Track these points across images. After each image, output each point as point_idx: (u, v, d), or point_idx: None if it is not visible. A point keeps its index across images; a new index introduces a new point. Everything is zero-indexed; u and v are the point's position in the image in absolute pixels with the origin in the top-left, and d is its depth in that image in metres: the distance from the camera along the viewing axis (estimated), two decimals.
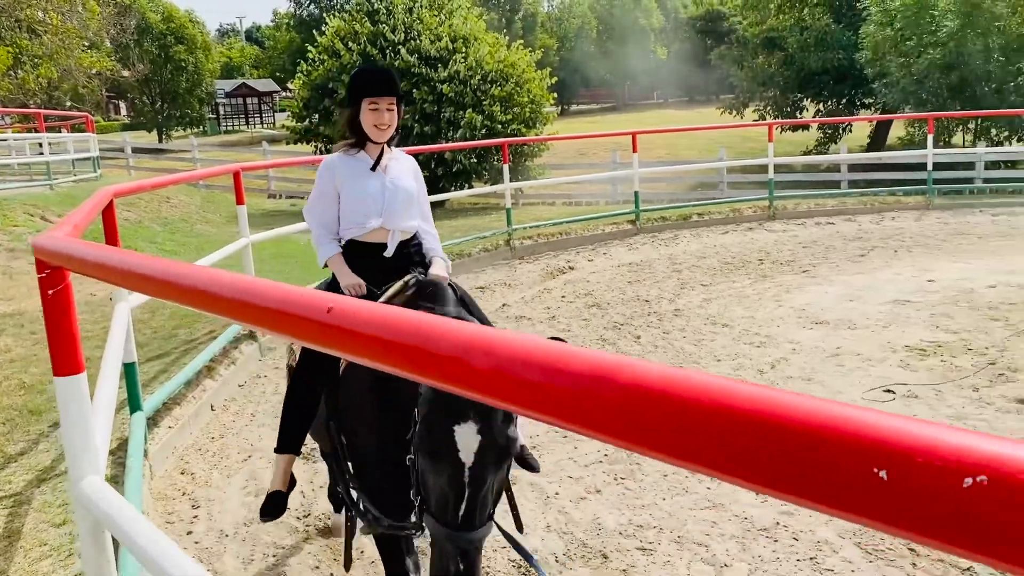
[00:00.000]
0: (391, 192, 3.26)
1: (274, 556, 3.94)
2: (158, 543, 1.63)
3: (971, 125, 20.96)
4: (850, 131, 26.19)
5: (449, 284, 3.04)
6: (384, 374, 2.58)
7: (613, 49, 50.77)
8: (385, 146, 3.30)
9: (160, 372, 5.72)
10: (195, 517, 4.32)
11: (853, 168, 18.72)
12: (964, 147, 20.10)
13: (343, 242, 3.27)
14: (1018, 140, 20.51)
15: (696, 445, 0.63)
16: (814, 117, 26.88)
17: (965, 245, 10.68)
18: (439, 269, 3.23)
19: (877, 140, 25.89)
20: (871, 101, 25.41)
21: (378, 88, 3.18)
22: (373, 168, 3.27)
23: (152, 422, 4.94)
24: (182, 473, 4.84)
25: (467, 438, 2.19)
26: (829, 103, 27.18)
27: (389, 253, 3.25)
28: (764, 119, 26.54)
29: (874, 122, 25.72)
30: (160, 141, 39.39)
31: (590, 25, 54.13)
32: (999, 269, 8.94)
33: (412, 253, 3.31)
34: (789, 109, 27.36)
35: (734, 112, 29.30)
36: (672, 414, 0.64)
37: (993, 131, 20.63)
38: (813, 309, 7.80)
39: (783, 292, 8.61)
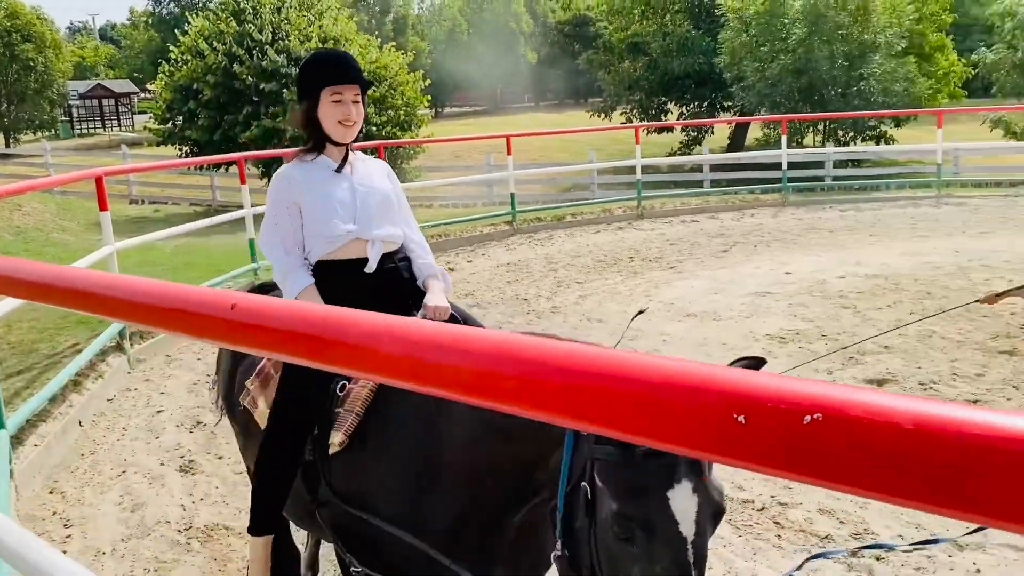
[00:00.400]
0: (363, 194, 2.68)
1: (156, 571, 3.83)
2: (47, 556, 1.60)
3: (820, 127, 22.38)
4: (712, 133, 27.43)
5: (453, 317, 2.58)
6: (431, 453, 2.14)
7: (484, 52, 51.19)
8: (349, 148, 2.74)
9: (22, 388, 5.43)
10: (68, 537, 4.15)
11: (715, 168, 19.65)
12: (815, 147, 21.44)
13: (311, 266, 2.65)
14: (862, 140, 22.07)
15: (588, 407, 0.72)
16: (678, 120, 27.99)
17: (817, 239, 11.43)
18: (438, 296, 2.62)
19: (736, 141, 27.23)
20: (730, 104, 26.70)
21: (342, 74, 2.62)
22: (338, 170, 2.69)
23: (16, 441, 4.70)
24: (51, 492, 4.63)
25: (684, 502, 1.63)
26: (691, 106, 28.38)
27: (371, 268, 2.63)
28: (631, 122, 27.42)
29: (733, 124, 27.04)
30: (7, 146, 36.88)
31: (461, 28, 54.36)
32: (848, 261, 9.63)
33: (400, 269, 2.71)
34: (654, 112, 28.37)
35: (602, 115, 30.12)
36: (567, 383, 0.73)
37: (840, 132, 22.11)
38: (681, 303, 8.18)
39: (653, 287, 8.98)
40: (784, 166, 14.65)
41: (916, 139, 21.44)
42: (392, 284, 2.66)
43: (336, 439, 2.36)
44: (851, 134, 22.02)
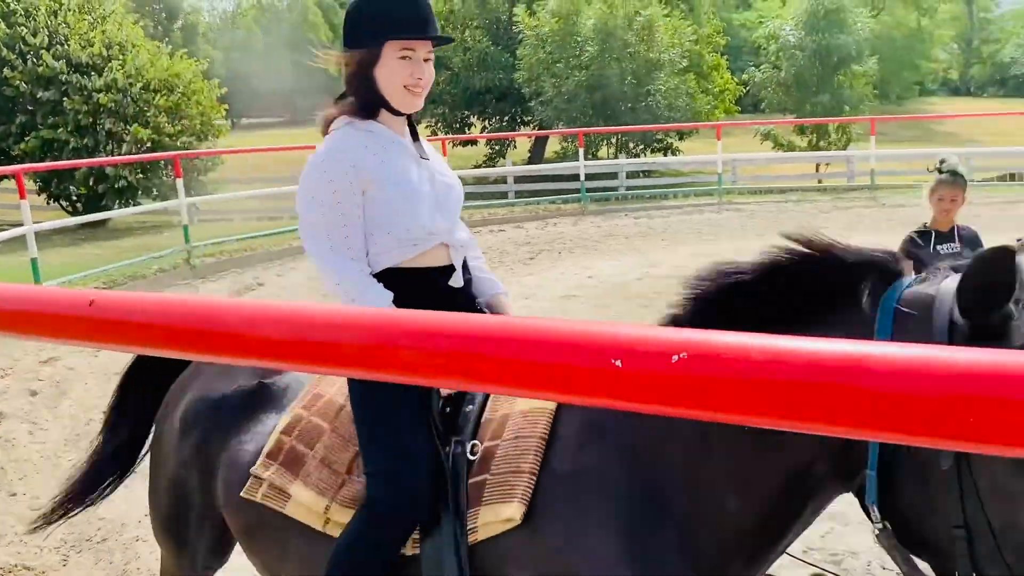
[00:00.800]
0: (443, 186, 2.08)
1: None
2: None
3: (613, 140, 23.67)
4: (514, 146, 28.23)
5: None
6: None
7: (282, 63, 49.81)
8: (412, 120, 2.12)
9: None
10: None
11: (518, 180, 20.24)
12: (609, 159, 22.64)
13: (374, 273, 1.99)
14: (651, 152, 23.58)
15: (479, 370, 0.79)
16: (481, 133, 28.59)
17: (615, 245, 12.10)
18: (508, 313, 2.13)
19: (536, 154, 28.19)
20: (530, 118, 27.61)
21: (417, 24, 1.95)
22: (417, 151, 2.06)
23: None
24: None
25: None
26: (493, 120, 29.08)
27: (460, 281, 2.05)
28: (436, 135, 27.69)
29: (533, 137, 27.98)
30: None
31: (256, 38, 52.61)
32: (643, 263, 10.30)
33: (471, 281, 2.14)
34: (458, 125, 28.81)
35: None
36: (458, 350, 0.80)
37: (631, 145, 23.50)
38: None
39: None
40: (582, 177, 15.39)
41: (698, 151, 23.16)
42: (468, 301, 2.09)
43: (507, 512, 1.73)
44: (641, 146, 23.46)
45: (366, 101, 2.00)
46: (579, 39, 22.57)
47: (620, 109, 22.55)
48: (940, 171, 4.24)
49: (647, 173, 22.01)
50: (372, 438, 1.93)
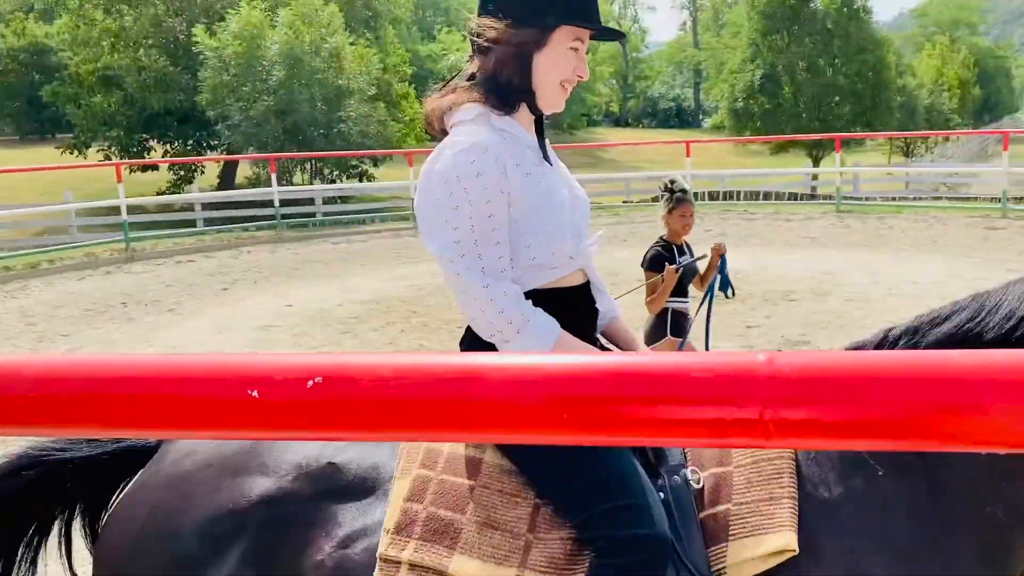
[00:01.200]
0: (581, 205, 1.83)
1: None
2: None
3: (307, 165, 23.34)
4: (202, 172, 26.78)
5: None
6: None
7: None
8: (543, 122, 1.82)
9: None
10: None
11: (207, 207, 19.22)
12: (304, 185, 22.28)
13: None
14: (347, 178, 23.60)
15: (93, 413, 0.75)
16: (163, 158, 26.77)
17: (314, 271, 11.95)
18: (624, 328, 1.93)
19: (226, 180, 26.97)
20: (217, 143, 26.38)
21: (595, 11, 1.70)
22: (545, 157, 1.77)
23: None
24: None
25: None
26: (176, 144, 27.39)
27: (604, 305, 1.86)
28: (110, 159, 25.46)
29: (222, 163, 26.75)
30: None
31: None
32: (344, 288, 10.27)
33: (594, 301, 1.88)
34: (136, 149, 26.76)
35: (76, 152, 27.45)
36: (79, 392, 0.75)
37: (326, 171, 23.33)
38: (185, 343, 7.92)
39: (152, 332, 8.53)
40: (276, 203, 15.04)
41: (393, 177, 23.59)
42: (594, 323, 1.85)
43: (777, 543, 1.52)
44: (336, 172, 23.37)
45: (510, 90, 1.69)
46: (265, 63, 22.02)
47: (312, 135, 22.32)
48: (672, 191, 4.58)
49: (344, 199, 21.98)
50: (574, 484, 1.61)
